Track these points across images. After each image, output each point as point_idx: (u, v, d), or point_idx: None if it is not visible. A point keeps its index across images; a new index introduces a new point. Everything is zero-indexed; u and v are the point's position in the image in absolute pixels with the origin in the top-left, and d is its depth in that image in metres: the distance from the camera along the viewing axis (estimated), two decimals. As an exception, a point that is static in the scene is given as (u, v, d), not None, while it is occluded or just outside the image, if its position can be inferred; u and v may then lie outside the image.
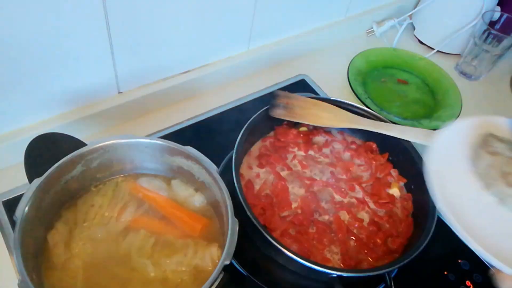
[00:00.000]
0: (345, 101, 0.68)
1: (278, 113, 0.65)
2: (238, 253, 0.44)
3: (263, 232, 0.51)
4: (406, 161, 0.64)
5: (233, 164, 0.56)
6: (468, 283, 0.60)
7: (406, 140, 0.63)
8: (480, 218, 0.50)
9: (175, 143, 0.52)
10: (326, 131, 0.70)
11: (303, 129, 0.70)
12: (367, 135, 0.68)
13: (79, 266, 0.47)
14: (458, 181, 0.54)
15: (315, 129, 0.70)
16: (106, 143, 0.51)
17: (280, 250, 0.50)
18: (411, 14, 0.98)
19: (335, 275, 0.50)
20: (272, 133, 0.69)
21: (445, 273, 0.61)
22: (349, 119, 0.66)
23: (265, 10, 0.74)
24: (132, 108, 0.70)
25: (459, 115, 0.80)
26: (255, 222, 0.51)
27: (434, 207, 0.56)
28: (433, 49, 0.95)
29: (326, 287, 0.54)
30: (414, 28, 0.99)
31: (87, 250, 0.48)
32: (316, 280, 0.56)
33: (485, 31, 0.84)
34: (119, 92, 0.69)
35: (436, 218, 0.56)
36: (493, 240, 0.48)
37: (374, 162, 0.67)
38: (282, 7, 0.77)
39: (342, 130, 0.71)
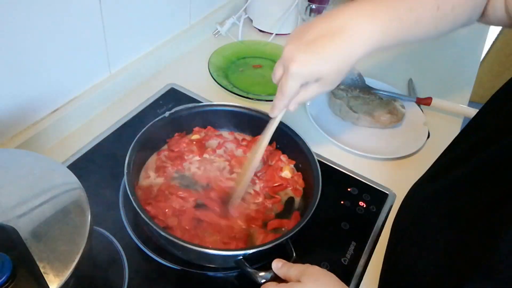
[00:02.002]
0: (228, 103, 0.76)
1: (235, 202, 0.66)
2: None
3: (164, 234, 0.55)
4: (292, 145, 0.72)
5: (126, 180, 0.59)
6: (361, 203, 0.72)
7: (288, 128, 0.72)
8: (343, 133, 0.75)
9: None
10: (218, 134, 0.77)
11: (195, 137, 0.75)
12: (255, 131, 0.75)
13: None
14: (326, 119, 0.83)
15: (207, 135, 0.76)
16: None
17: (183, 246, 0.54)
18: (245, 9, 1.10)
19: (241, 256, 0.54)
20: (165, 146, 0.73)
21: (342, 202, 0.72)
22: (261, 146, 0.66)
23: (114, 35, 0.78)
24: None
25: (310, 79, 0.94)
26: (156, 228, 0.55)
27: (318, 175, 0.65)
28: (272, 33, 1.08)
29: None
30: (251, 21, 1.12)
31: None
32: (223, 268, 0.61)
33: (307, 7, 1.00)
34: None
35: (320, 185, 0.64)
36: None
37: (264, 152, 0.74)
38: (129, 28, 0.81)
39: (232, 130, 0.78)
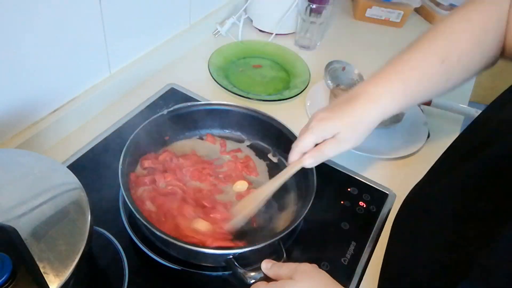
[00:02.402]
0: (229, 102, 0.75)
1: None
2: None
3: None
4: (288, 146, 0.68)
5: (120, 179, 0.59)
6: (361, 203, 0.72)
7: (286, 129, 0.72)
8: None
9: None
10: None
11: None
12: (255, 131, 0.77)
13: None
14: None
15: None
16: None
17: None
18: (245, 9, 1.10)
19: (231, 256, 0.55)
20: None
21: (342, 202, 0.72)
22: (265, 193, 0.64)
23: (114, 35, 0.77)
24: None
25: (309, 79, 0.94)
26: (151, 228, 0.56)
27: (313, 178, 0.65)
28: (272, 33, 1.08)
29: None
30: (252, 21, 1.12)
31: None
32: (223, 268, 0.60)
33: (307, 7, 1.00)
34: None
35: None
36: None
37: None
38: (129, 28, 0.81)
39: (231, 130, 0.78)
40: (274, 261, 0.53)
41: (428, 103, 0.92)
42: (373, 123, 0.60)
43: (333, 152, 0.61)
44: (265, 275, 0.52)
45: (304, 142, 0.61)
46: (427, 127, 0.87)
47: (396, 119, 0.86)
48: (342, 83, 0.92)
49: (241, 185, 0.69)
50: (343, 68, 0.95)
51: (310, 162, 0.61)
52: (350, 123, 0.59)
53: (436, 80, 0.60)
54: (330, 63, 0.95)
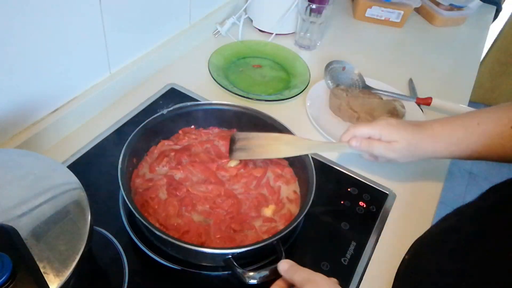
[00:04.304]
0: (229, 102, 0.75)
1: (238, 155, 0.69)
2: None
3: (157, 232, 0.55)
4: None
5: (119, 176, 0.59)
6: (361, 203, 0.72)
7: (285, 129, 0.72)
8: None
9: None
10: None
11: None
12: (254, 131, 0.74)
13: None
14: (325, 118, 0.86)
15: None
16: None
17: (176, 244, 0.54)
18: (245, 9, 1.10)
19: (230, 255, 0.54)
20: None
21: (342, 202, 0.72)
22: (308, 147, 0.69)
23: (114, 35, 0.78)
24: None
25: (309, 79, 0.94)
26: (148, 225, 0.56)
27: (312, 179, 0.64)
28: (272, 33, 1.08)
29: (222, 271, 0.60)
30: (252, 21, 1.12)
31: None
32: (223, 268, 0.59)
33: (307, 7, 1.00)
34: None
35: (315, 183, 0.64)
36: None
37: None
38: (129, 28, 0.81)
39: (230, 130, 0.77)
40: (293, 263, 0.52)
41: (428, 103, 0.92)
42: (423, 155, 0.67)
43: (379, 151, 0.67)
44: (264, 276, 0.52)
45: (361, 129, 0.67)
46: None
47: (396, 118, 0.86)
48: (342, 83, 0.92)
49: (234, 163, 0.71)
50: (343, 68, 0.96)
51: (356, 144, 0.67)
52: (409, 142, 0.65)
53: (500, 142, 0.61)
54: (330, 63, 0.95)
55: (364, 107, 0.87)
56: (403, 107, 0.88)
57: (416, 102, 0.93)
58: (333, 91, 0.89)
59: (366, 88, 0.94)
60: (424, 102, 0.92)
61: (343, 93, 0.89)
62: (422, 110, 0.91)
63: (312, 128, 0.83)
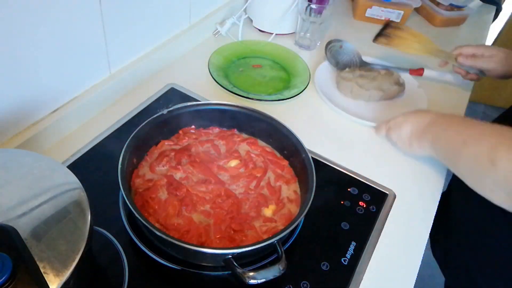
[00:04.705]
0: (229, 102, 0.75)
1: (380, 40, 0.95)
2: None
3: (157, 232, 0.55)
4: (287, 145, 0.72)
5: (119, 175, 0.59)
6: (361, 203, 0.72)
7: (285, 129, 0.71)
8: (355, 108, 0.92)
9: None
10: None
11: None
12: (254, 131, 0.76)
13: None
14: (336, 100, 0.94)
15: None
16: None
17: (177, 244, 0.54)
18: (245, 9, 1.10)
19: (230, 255, 0.54)
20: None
21: (342, 202, 0.72)
22: (431, 51, 0.96)
23: (114, 35, 0.78)
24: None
25: (309, 79, 0.94)
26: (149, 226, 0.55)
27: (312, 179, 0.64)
28: (272, 33, 1.08)
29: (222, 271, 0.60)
30: (252, 21, 1.12)
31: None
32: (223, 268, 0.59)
33: (307, 7, 1.00)
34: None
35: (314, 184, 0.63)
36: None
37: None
38: (129, 28, 0.81)
39: (230, 130, 0.77)
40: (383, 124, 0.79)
41: (420, 74, 1.00)
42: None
43: (482, 64, 0.88)
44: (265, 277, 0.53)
45: (467, 49, 0.90)
46: (422, 89, 0.97)
47: (402, 88, 0.96)
48: (341, 60, 1.01)
49: (234, 163, 0.71)
50: (340, 46, 1.04)
51: (462, 61, 0.91)
52: (507, 53, 0.84)
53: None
54: (329, 42, 1.04)
55: (372, 83, 0.94)
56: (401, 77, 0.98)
57: (409, 73, 1.01)
58: (341, 75, 0.95)
59: (363, 65, 1.02)
60: (417, 73, 1.01)
61: (349, 74, 0.96)
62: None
63: (312, 128, 0.83)
